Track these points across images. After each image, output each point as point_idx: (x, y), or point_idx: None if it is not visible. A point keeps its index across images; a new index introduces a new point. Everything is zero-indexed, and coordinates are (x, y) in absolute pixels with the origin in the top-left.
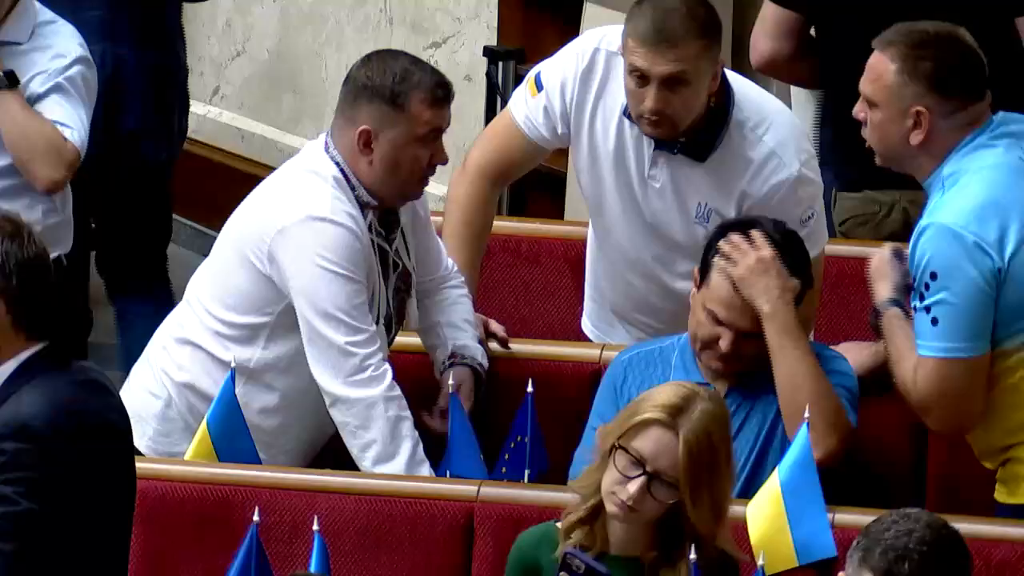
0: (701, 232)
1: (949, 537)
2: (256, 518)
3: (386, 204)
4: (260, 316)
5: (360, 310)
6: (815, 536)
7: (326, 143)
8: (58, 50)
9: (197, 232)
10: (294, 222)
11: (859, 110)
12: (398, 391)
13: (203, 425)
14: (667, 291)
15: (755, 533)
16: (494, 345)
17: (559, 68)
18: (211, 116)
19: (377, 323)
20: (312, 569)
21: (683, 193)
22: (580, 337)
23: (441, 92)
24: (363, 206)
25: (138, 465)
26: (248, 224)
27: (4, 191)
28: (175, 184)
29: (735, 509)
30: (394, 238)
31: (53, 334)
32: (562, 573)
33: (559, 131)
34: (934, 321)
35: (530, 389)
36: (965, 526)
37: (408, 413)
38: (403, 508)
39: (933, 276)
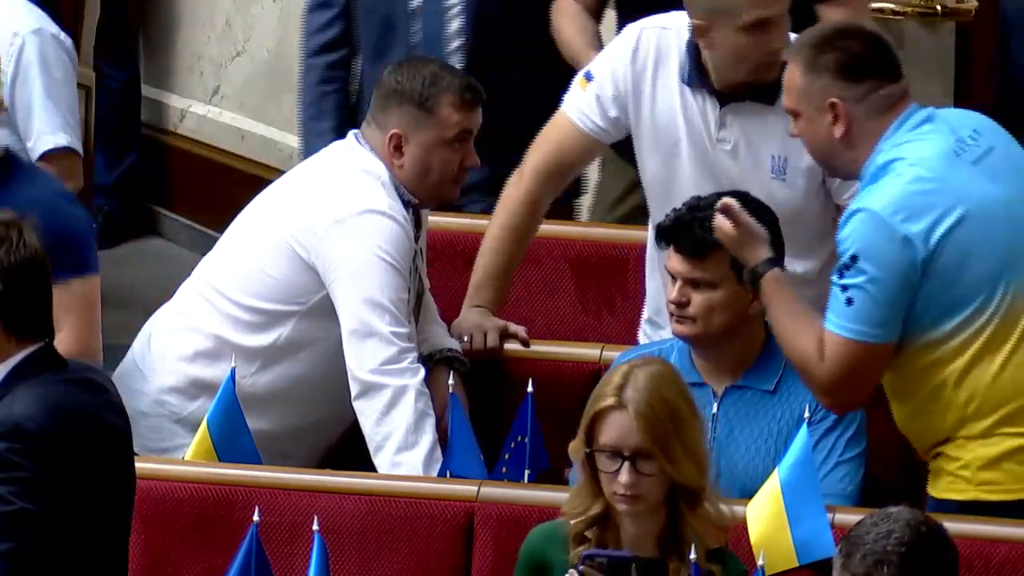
0: (779, 190)
1: (930, 534)
2: (256, 518)
3: (423, 204)
4: (289, 305)
5: (404, 306)
6: (815, 536)
7: (360, 145)
8: (10, 27)
9: (197, 232)
10: (352, 214)
11: (792, 129)
12: (428, 391)
13: (203, 425)
14: None
15: (755, 533)
16: (515, 346)
17: (607, 57)
18: (211, 116)
19: None
20: (312, 569)
21: (755, 147)
22: (580, 337)
23: (470, 95)
24: (405, 204)
25: (138, 465)
26: (294, 215)
27: None
28: (175, 183)
29: (735, 509)
30: (419, 236)
31: (49, 334)
32: (583, 567)
33: (611, 115)
34: (849, 301)
35: (530, 389)
36: (965, 526)
37: (433, 414)
38: (403, 508)
39: (854, 259)
